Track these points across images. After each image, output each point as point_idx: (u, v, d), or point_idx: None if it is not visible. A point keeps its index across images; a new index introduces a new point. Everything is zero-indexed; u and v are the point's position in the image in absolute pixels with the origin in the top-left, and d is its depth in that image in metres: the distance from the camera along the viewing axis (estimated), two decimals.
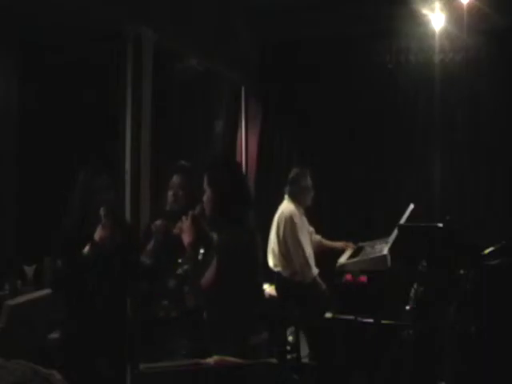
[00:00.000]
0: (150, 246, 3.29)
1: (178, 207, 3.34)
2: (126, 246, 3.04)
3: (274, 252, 4.62)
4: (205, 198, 2.79)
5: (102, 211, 2.87)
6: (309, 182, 4.66)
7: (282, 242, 4.55)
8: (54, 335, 3.49)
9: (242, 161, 6.27)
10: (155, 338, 3.21)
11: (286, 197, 4.68)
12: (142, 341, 3.34)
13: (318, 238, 4.94)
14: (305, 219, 4.76)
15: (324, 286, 4.55)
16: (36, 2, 4.00)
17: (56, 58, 4.93)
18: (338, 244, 4.93)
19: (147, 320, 3.31)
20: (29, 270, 4.41)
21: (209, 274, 2.68)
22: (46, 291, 3.72)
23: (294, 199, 4.63)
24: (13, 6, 4.00)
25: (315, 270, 4.55)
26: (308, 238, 4.71)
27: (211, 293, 2.68)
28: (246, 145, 6.33)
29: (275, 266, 4.63)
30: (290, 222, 4.51)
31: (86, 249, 2.83)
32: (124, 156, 3.90)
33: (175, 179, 3.40)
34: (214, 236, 2.87)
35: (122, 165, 3.90)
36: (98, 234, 2.85)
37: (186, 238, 2.79)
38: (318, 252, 4.79)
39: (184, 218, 2.84)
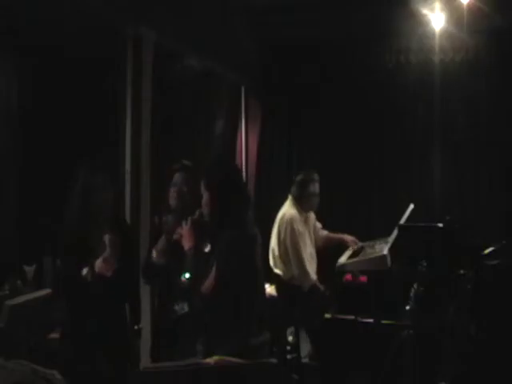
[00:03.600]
0: (160, 244, 3.19)
1: (182, 205, 3.30)
2: (127, 254, 2.98)
3: (273, 253, 4.60)
4: (203, 202, 2.79)
5: (106, 239, 2.76)
6: (316, 188, 4.57)
7: (281, 245, 4.52)
8: (54, 335, 3.49)
9: (241, 161, 6.28)
10: (170, 337, 3.20)
11: (290, 198, 4.62)
12: (158, 340, 3.34)
13: (324, 233, 4.86)
14: (311, 219, 4.70)
15: (323, 289, 4.52)
16: (36, 2, 4.00)
17: (56, 57, 4.93)
18: (346, 237, 4.77)
19: (163, 319, 3.31)
20: (29, 270, 4.41)
21: (209, 279, 2.67)
22: (46, 291, 3.71)
23: (298, 203, 4.56)
24: (12, 5, 3.99)
25: (313, 277, 4.49)
26: (310, 240, 4.63)
27: (212, 296, 2.67)
28: (246, 145, 6.33)
29: (275, 266, 4.62)
30: (290, 227, 4.45)
31: (85, 272, 2.78)
32: (124, 156, 3.90)
33: (178, 177, 3.36)
34: (214, 240, 2.86)
35: (122, 165, 3.90)
36: (98, 266, 2.77)
37: (186, 244, 2.79)
38: (324, 248, 4.76)
39: (184, 223, 2.83)
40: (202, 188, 2.80)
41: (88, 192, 2.93)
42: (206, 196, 2.78)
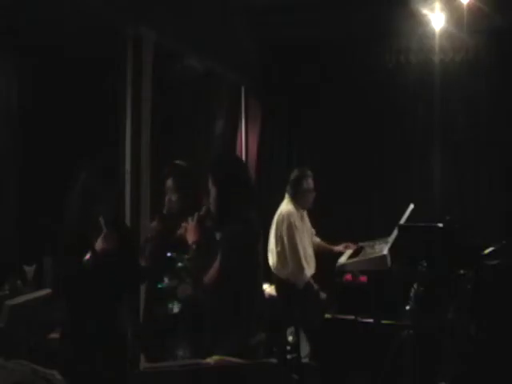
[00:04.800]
0: (147, 248, 3.26)
1: (172, 212, 3.31)
2: (126, 252, 3.00)
3: (272, 252, 4.61)
4: (210, 197, 2.81)
5: (101, 220, 2.83)
6: (310, 183, 4.60)
7: (279, 241, 4.53)
8: (54, 335, 3.49)
9: None
10: (157, 338, 3.21)
11: (287, 197, 4.65)
12: (144, 342, 3.34)
13: (317, 240, 4.91)
14: (306, 220, 4.74)
15: (316, 287, 4.52)
16: (36, 2, 4.00)
17: (56, 57, 4.93)
18: (337, 248, 4.88)
19: (149, 320, 3.32)
20: (29, 270, 4.41)
21: (212, 271, 2.70)
22: (46, 291, 3.71)
23: (295, 200, 4.59)
24: (12, 5, 3.99)
25: (308, 274, 4.49)
26: (308, 239, 4.68)
27: (213, 289, 2.69)
28: (246, 145, 6.33)
29: (274, 266, 4.62)
30: (287, 221, 4.47)
31: (86, 258, 2.80)
32: (124, 156, 3.90)
33: (168, 183, 3.37)
34: (219, 235, 2.89)
35: (122, 165, 3.91)
36: (98, 245, 2.81)
37: (191, 237, 2.81)
38: (317, 253, 4.78)
39: (190, 218, 2.85)
40: (210, 184, 2.83)
41: (88, 192, 2.93)
42: (212, 192, 2.81)
